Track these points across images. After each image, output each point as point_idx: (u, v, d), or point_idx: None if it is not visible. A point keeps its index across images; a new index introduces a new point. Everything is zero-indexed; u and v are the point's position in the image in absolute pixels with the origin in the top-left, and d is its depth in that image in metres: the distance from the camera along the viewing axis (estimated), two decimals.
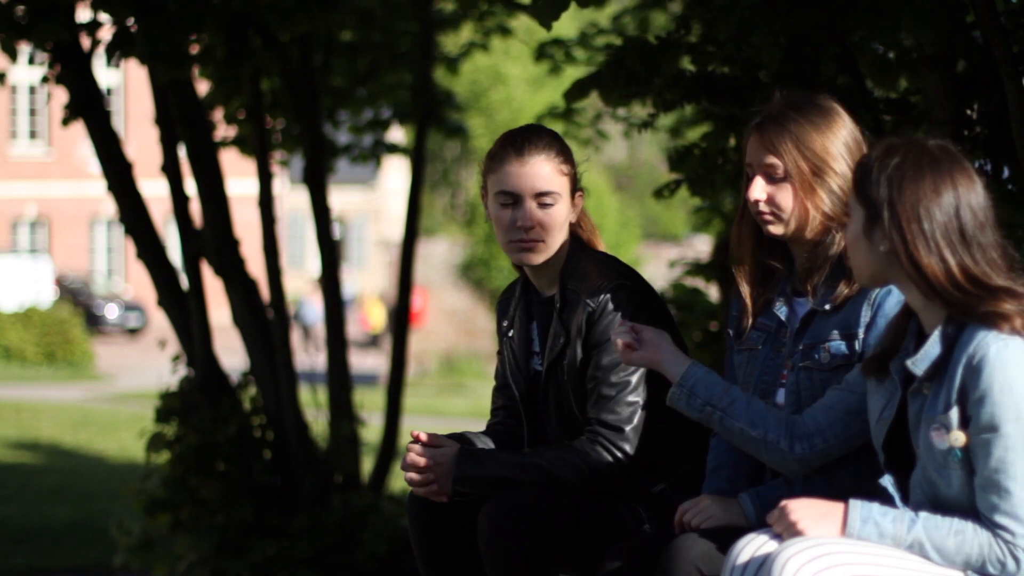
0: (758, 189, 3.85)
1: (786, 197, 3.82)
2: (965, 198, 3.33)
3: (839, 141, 3.81)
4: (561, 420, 4.19)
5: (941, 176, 3.34)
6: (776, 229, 3.85)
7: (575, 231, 4.23)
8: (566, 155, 4.18)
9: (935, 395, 3.31)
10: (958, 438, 3.27)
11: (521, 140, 4.16)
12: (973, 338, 3.26)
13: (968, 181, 3.35)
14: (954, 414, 3.27)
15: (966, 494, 3.29)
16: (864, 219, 3.38)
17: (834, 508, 3.35)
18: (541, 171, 4.12)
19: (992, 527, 3.25)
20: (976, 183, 3.36)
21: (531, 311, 4.28)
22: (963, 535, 3.27)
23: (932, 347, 3.32)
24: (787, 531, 3.35)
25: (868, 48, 5.65)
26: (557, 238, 4.16)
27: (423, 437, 4.14)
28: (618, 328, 3.89)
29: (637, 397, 4.05)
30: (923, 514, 3.31)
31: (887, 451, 3.48)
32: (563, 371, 4.15)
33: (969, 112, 5.06)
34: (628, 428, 4.05)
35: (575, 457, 4.04)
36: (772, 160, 3.83)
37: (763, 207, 3.85)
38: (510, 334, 4.30)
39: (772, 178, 3.84)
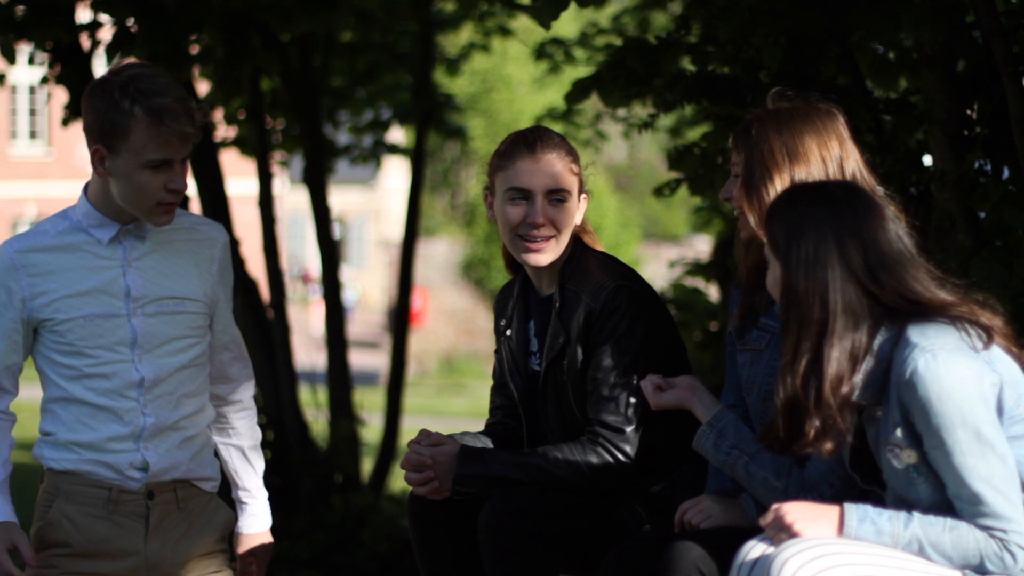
0: (724, 188, 3.86)
1: (739, 196, 3.81)
2: (872, 236, 3.34)
3: (799, 144, 3.74)
4: (560, 420, 4.19)
5: (842, 220, 3.34)
6: (744, 230, 3.84)
7: (576, 232, 4.23)
8: (574, 156, 4.20)
9: (885, 417, 3.34)
10: (910, 456, 3.30)
11: (533, 138, 4.17)
12: (900, 357, 3.28)
13: (876, 217, 3.36)
14: (902, 433, 3.30)
15: (938, 501, 3.31)
16: (780, 269, 3.39)
17: (828, 510, 3.35)
18: (553, 168, 4.13)
19: (982, 530, 3.27)
20: (885, 217, 3.37)
21: (529, 310, 4.28)
22: (958, 531, 3.28)
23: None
24: (783, 533, 3.35)
25: (868, 48, 5.65)
26: (566, 237, 4.16)
27: (426, 435, 4.14)
28: (649, 376, 3.92)
29: (637, 398, 4.05)
30: (917, 513, 3.32)
31: (869, 475, 3.49)
32: (563, 371, 4.14)
33: (969, 112, 5.06)
34: (628, 429, 4.04)
35: (575, 457, 4.04)
36: (734, 158, 3.83)
37: (734, 206, 3.85)
38: (508, 333, 4.30)
39: (734, 179, 3.84)
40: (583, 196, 4.21)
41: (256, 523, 4.22)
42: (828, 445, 3.33)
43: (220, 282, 4.04)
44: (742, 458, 3.72)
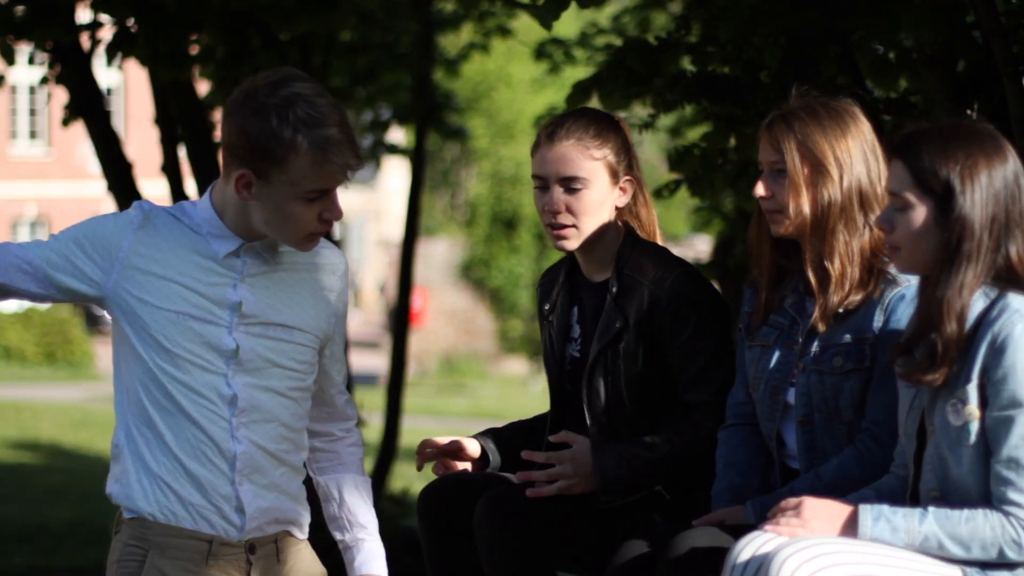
0: (760, 186, 3.87)
1: (785, 195, 3.83)
2: (1013, 178, 3.37)
3: (845, 146, 3.81)
4: (606, 405, 4.11)
5: (1001, 158, 3.38)
6: (777, 228, 3.86)
7: (628, 219, 4.19)
8: (603, 139, 4.11)
9: (958, 373, 3.33)
10: (972, 413, 3.29)
11: (555, 125, 4.13)
12: (1000, 317, 3.29)
13: (1014, 161, 3.40)
14: (972, 389, 3.30)
15: (975, 473, 3.31)
16: (933, 209, 3.36)
17: (844, 511, 3.36)
18: (567, 156, 4.08)
19: (1004, 504, 3.27)
20: (1016, 162, 3.40)
21: (574, 296, 4.23)
22: (975, 520, 3.28)
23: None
24: (795, 526, 3.35)
25: (868, 48, 5.65)
26: (590, 223, 4.10)
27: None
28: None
29: (727, 377, 4.06)
30: (932, 508, 3.32)
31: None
32: (618, 355, 4.08)
33: (969, 112, 5.06)
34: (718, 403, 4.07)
35: (686, 437, 4.02)
36: (774, 157, 3.84)
37: (766, 204, 3.86)
38: (550, 318, 4.26)
39: (775, 175, 3.85)
40: (626, 179, 4.15)
41: (376, 562, 3.87)
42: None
43: (337, 314, 3.56)
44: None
